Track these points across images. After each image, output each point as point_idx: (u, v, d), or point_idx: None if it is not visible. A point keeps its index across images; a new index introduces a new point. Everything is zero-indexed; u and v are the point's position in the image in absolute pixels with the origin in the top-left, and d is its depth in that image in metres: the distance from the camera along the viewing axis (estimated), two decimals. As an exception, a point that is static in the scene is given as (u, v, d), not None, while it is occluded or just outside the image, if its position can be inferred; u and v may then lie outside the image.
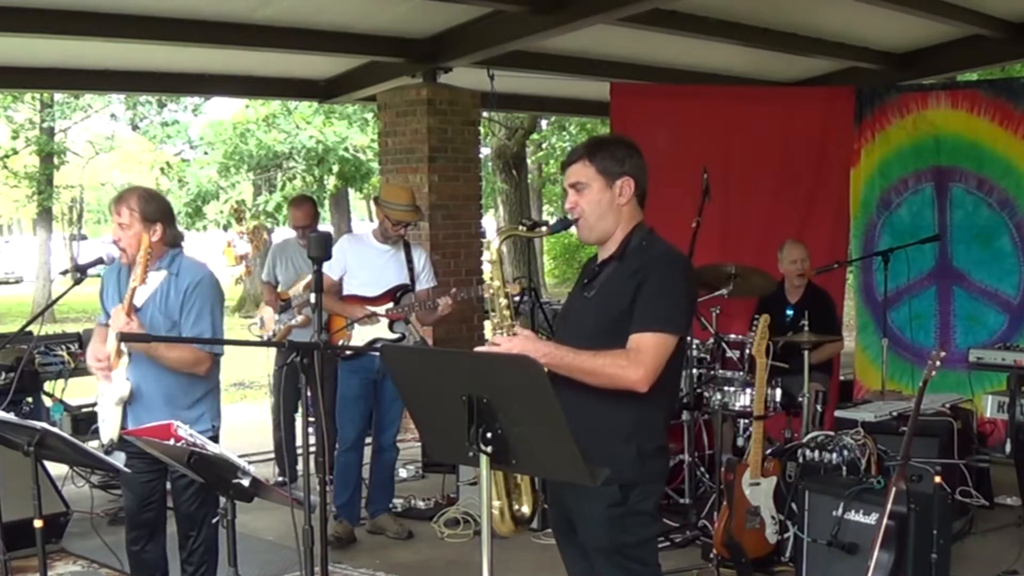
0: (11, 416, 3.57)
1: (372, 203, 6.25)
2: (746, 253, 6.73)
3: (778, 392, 5.50)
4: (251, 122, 18.34)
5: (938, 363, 3.91)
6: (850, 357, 7.96)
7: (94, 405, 4.25)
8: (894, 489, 3.79)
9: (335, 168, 18.52)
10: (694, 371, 5.80)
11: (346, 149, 18.29)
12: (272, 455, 7.05)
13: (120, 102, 22.51)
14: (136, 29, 6.48)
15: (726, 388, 5.53)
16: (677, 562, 5.02)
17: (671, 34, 7.16)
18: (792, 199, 7.69)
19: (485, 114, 9.63)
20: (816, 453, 4.88)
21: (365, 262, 5.57)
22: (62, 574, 5.15)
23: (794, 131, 7.72)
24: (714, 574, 4.87)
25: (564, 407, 2.44)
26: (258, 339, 6.72)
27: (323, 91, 9.08)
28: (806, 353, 5.55)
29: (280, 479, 6.44)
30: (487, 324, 8.11)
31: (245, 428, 8.20)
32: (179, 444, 3.14)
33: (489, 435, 2.53)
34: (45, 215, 22.47)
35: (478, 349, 2.99)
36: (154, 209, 3.82)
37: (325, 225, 18.12)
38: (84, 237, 25.81)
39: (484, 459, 2.57)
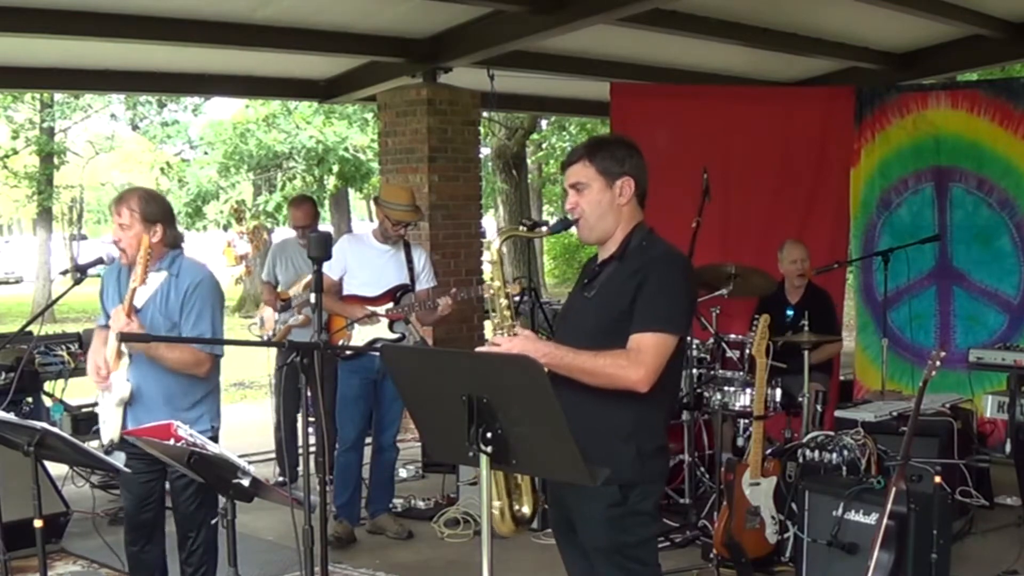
0: (11, 416, 3.57)
1: (372, 203, 6.25)
2: (746, 253, 6.73)
3: (778, 392, 5.50)
4: (251, 122, 18.34)
5: (938, 363, 3.91)
6: (850, 357, 7.96)
7: (94, 405, 4.25)
8: (894, 489, 3.79)
9: (335, 168, 18.52)
10: (694, 371, 5.80)
11: (346, 149, 18.30)
12: (272, 455, 7.05)
13: (120, 102, 22.51)
14: (136, 29, 6.48)
15: (726, 388, 5.53)
16: (677, 562, 5.02)
17: (671, 34, 7.16)
18: (792, 199, 7.69)
19: (485, 114, 9.63)
20: (816, 453, 4.88)
21: (365, 262, 5.57)
22: (62, 574, 5.15)
23: (794, 131, 7.71)
24: (714, 574, 4.87)
25: (564, 407, 2.44)
26: (258, 339, 6.72)
27: (323, 91, 9.08)
28: (806, 353, 5.55)
29: (280, 479, 6.44)
30: (487, 324, 8.11)
31: (245, 428, 8.20)
32: (179, 444, 3.14)
33: (489, 435, 2.53)
34: (45, 215, 22.47)
35: (478, 349, 2.99)
36: (155, 210, 3.82)
37: (325, 225, 18.13)
38: (84, 237, 25.81)
39: (484, 459, 2.57)
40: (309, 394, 3.51)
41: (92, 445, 4.10)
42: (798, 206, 7.69)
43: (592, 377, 2.89)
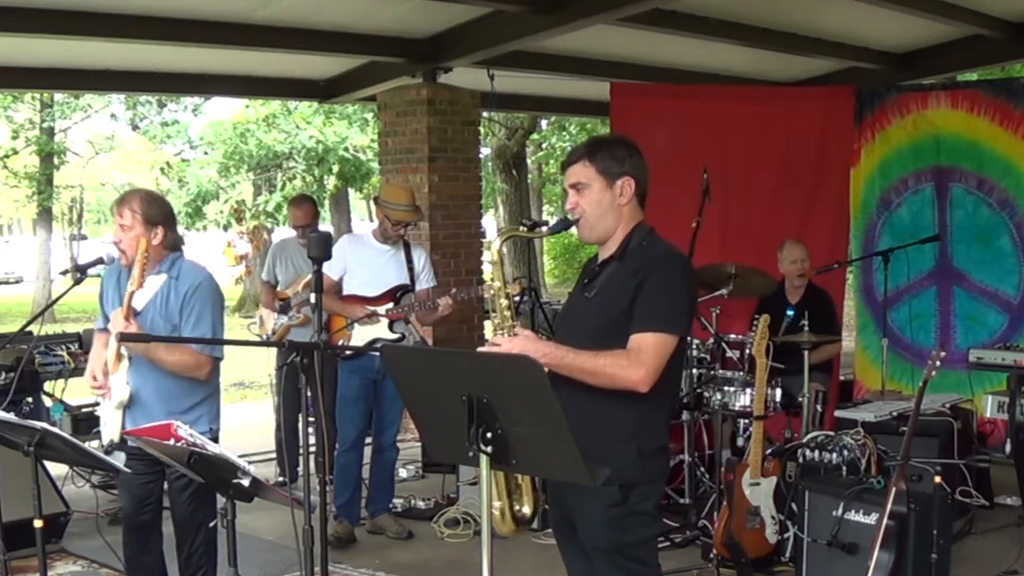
0: (11, 416, 3.57)
1: (372, 203, 6.25)
2: (746, 253, 6.73)
3: (778, 392, 5.50)
4: (251, 122, 18.34)
5: (938, 363, 3.91)
6: (850, 357, 7.96)
7: (94, 405, 4.25)
8: (894, 489, 3.79)
9: (335, 168, 18.53)
10: (694, 371, 5.80)
11: (346, 149, 18.30)
12: (272, 455, 7.05)
13: (120, 102, 22.52)
14: (136, 29, 6.49)
15: (726, 388, 5.53)
16: (677, 562, 5.02)
17: (671, 34, 7.16)
18: (792, 199, 7.69)
19: (485, 114, 9.63)
20: (816, 453, 4.88)
21: (365, 262, 5.57)
22: (62, 574, 5.15)
23: (794, 131, 7.71)
24: (714, 574, 4.87)
25: (564, 407, 2.44)
26: (258, 338, 6.72)
27: (323, 91, 9.08)
28: (806, 353, 5.55)
29: (280, 479, 6.44)
30: (487, 324, 8.11)
31: (245, 428, 8.20)
32: (179, 444, 3.14)
33: (489, 435, 2.53)
34: (45, 215, 22.48)
35: (479, 349, 2.99)
36: (156, 212, 3.83)
37: (325, 225, 18.12)
38: (84, 237, 25.82)
39: (484, 459, 2.57)
40: (309, 394, 3.50)
41: (92, 445, 4.10)
42: (798, 206, 7.68)
43: (592, 377, 2.89)
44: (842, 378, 7.60)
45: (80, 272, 3.97)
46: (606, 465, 2.63)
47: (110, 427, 3.85)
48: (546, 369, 2.67)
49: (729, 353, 5.76)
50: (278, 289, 6.71)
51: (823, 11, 7.21)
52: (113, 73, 8.01)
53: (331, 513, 5.39)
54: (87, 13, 6.27)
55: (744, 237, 7.45)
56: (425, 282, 5.69)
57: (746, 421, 5.49)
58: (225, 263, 20.46)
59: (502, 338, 2.97)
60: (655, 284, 2.93)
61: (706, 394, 5.68)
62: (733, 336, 5.82)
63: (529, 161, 22.21)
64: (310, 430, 4.71)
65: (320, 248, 3.40)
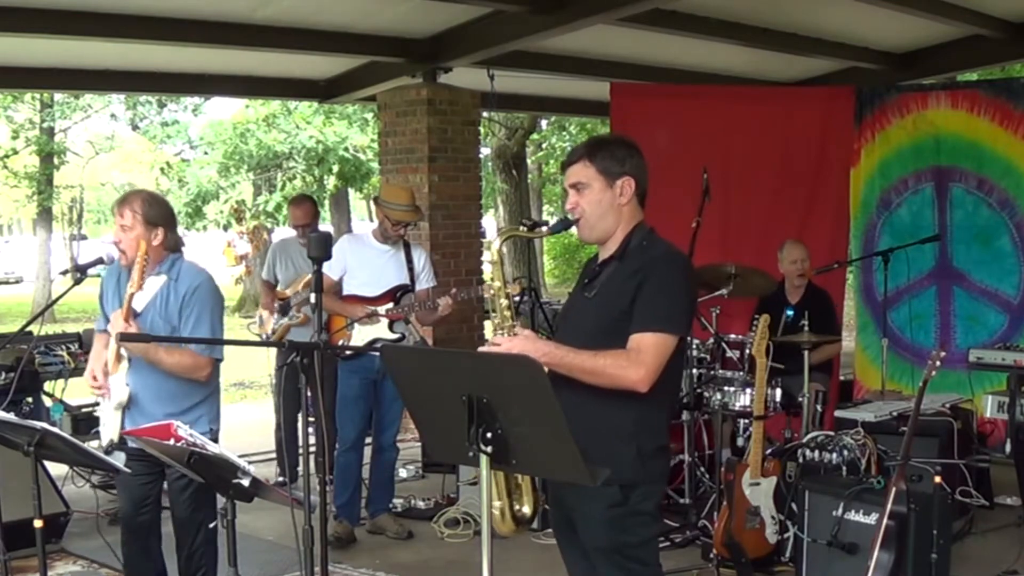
0: (11, 416, 3.57)
1: (372, 203, 6.25)
2: (746, 253, 6.73)
3: (778, 392, 5.50)
4: (251, 122, 18.34)
5: (938, 363, 3.91)
6: (850, 357, 7.96)
7: (94, 405, 4.25)
8: (894, 489, 3.79)
9: (335, 168, 18.53)
10: (694, 371, 5.80)
11: (346, 149, 18.30)
12: (272, 455, 7.05)
13: (120, 102, 22.53)
14: (136, 29, 6.49)
15: (726, 388, 5.53)
16: (677, 562, 5.02)
17: (671, 34, 7.16)
18: (792, 199, 7.69)
19: (485, 114, 9.63)
20: (816, 453, 4.88)
21: (365, 262, 5.57)
22: (62, 574, 5.15)
23: (794, 131, 7.71)
24: (714, 574, 4.87)
25: (564, 407, 2.44)
26: (258, 338, 6.72)
27: (323, 91, 9.08)
28: (806, 353, 5.55)
29: (280, 479, 6.44)
30: (487, 324, 8.11)
31: (245, 428, 8.20)
32: (179, 444, 3.14)
33: (489, 435, 2.53)
34: (45, 215, 22.48)
35: (479, 349, 2.99)
36: (157, 213, 3.83)
37: (325, 225, 18.12)
38: (84, 237, 25.84)
39: (484, 459, 2.57)
40: (309, 394, 3.50)
41: (92, 445, 4.10)
42: (798, 206, 7.68)
43: (592, 377, 2.89)
44: (842, 378, 7.60)
45: (80, 272, 3.97)
46: (606, 465, 2.63)
47: (109, 427, 3.85)
48: (546, 369, 2.67)
49: (729, 353, 5.76)
50: (278, 289, 6.71)
51: (823, 11, 7.21)
52: (113, 73, 8.01)
53: (331, 513, 5.39)
54: (87, 13, 6.27)
55: (744, 237, 7.45)
56: (425, 282, 5.69)
57: (746, 421, 5.49)
58: (225, 263, 20.46)
59: (502, 338, 2.97)
60: (655, 284, 2.93)
61: (706, 394, 5.68)
62: (733, 336, 5.82)
63: (529, 161, 22.21)
64: (310, 430, 4.71)
65: (320, 248, 3.40)
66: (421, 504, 6.20)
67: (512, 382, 2.50)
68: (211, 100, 21.24)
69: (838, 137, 7.74)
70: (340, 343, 5.43)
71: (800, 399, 5.55)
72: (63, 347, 6.32)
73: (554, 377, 2.68)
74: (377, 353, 5.26)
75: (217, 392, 4.02)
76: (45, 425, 3.43)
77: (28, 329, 5.41)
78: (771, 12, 7.19)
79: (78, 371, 6.14)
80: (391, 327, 5.53)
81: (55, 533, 5.33)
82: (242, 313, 19.71)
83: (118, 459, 3.72)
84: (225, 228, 20.74)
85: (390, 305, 5.53)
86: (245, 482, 3.13)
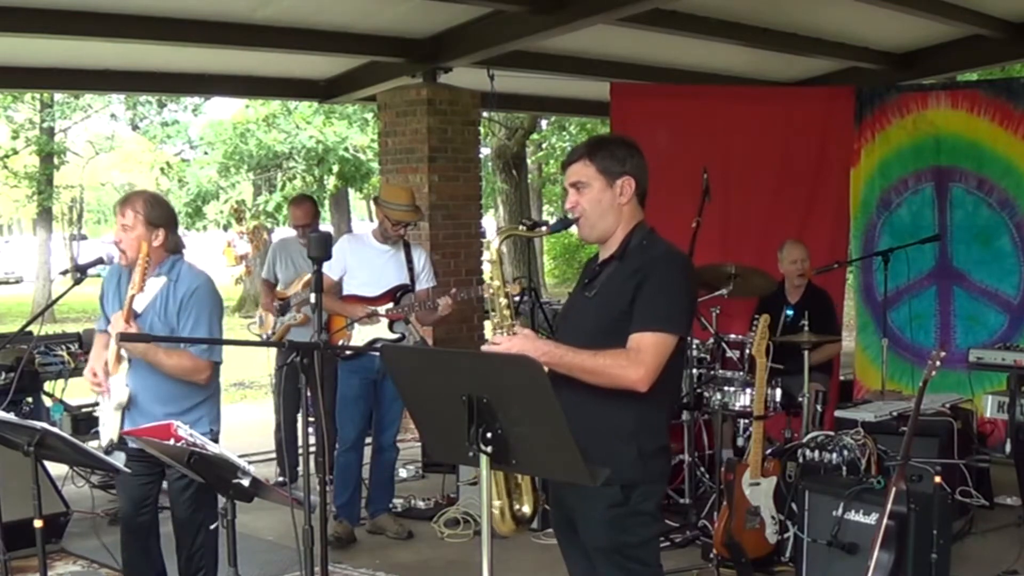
0: (11, 416, 3.57)
1: (372, 203, 6.25)
2: (746, 253, 6.73)
3: (778, 392, 5.50)
4: (251, 122, 18.34)
5: (938, 363, 3.91)
6: (850, 357, 7.96)
7: (94, 405, 4.25)
8: (894, 489, 3.79)
9: (335, 168, 18.52)
10: (694, 371, 5.80)
11: (346, 149, 18.30)
12: (272, 455, 7.05)
13: (120, 102, 22.53)
14: (136, 29, 6.48)
15: (726, 388, 5.53)
16: (677, 562, 5.02)
17: (671, 34, 7.16)
18: (792, 199, 7.69)
19: (485, 114, 9.63)
20: (816, 453, 4.88)
21: (365, 262, 5.57)
22: (62, 574, 5.15)
23: (794, 131, 7.71)
24: (714, 574, 4.86)
25: (564, 407, 2.44)
26: (258, 338, 6.72)
27: (323, 91, 9.08)
28: (806, 353, 5.55)
29: (280, 479, 6.44)
30: (487, 324, 8.11)
31: (245, 428, 8.20)
32: (179, 444, 3.14)
33: (489, 435, 2.53)
34: (45, 215, 22.48)
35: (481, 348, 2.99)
36: (158, 214, 3.83)
37: (325, 225, 18.11)
38: (84, 237, 25.86)
39: (484, 459, 2.57)
40: (309, 394, 3.50)
41: (92, 445, 4.10)
42: (798, 206, 7.68)
43: (592, 376, 2.89)
44: (842, 378, 7.60)
45: (80, 272, 3.98)
46: (606, 465, 2.63)
47: (109, 427, 3.85)
48: (546, 368, 2.67)
49: (729, 353, 5.76)
50: (278, 289, 6.71)
51: (823, 11, 7.21)
52: (113, 73, 8.01)
53: (331, 513, 5.39)
54: (87, 13, 6.27)
55: (744, 237, 7.45)
56: (425, 282, 5.69)
57: (746, 421, 5.49)
58: (225, 263, 20.46)
59: (502, 337, 2.96)
60: (655, 284, 2.93)
61: (706, 394, 5.68)
62: (733, 336, 5.82)
63: (529, 161, 22.21)
64: (310, 430, 4.71)
65: (320, 248, 3.40)
66: (421, 504, 6.20)
67: (512, 382, 2.50)
68: (211, 100, 21.25)
69: (838, 137, 7.74)
70: (340, 343, 5.43)
71: (800, 399, 5.55)
72: (63, 347, 6.32)
73: (554, 377, 2.68)
74: (377, 353, 5.26)
75: (217, 393, 4.02)
76: (45, 425, 3.43)
77: (28, 329, 5.41)
78: (771, 12, 7.19)
79: (78, 371, 6.14)
80: (391, 327, 5.53)
81: (55, 533, 5.33)
82: (242, 313, 19.71)
83: (118, 459, 3.72)
84: (225, 228, 20.73)
85: (390, 305, 5.53)
86: (245, 482, 3.13)
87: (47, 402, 6.28)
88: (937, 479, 4.31)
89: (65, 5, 6.18)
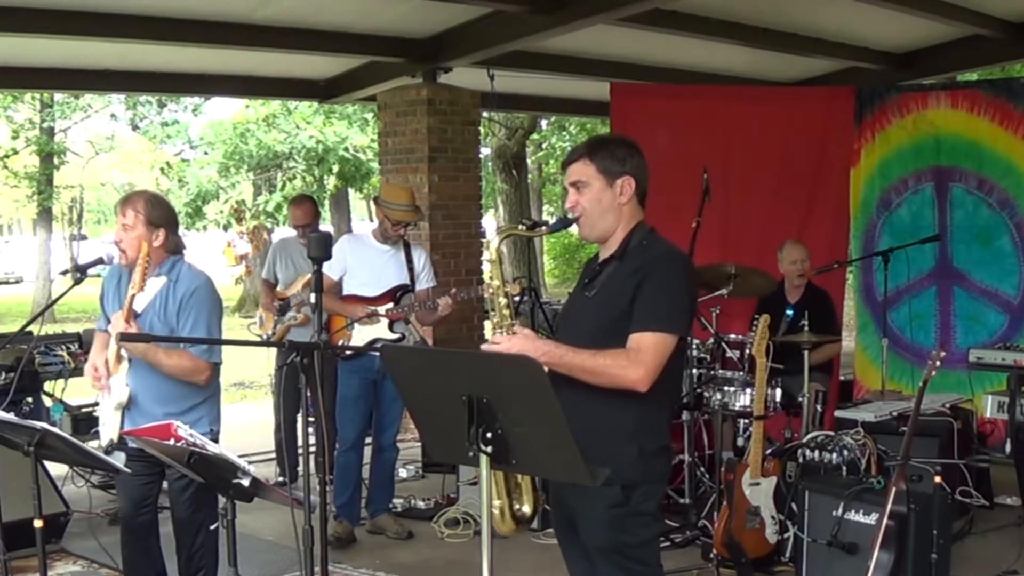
0: (11, 416, 3.57)
1: (372, 203, 6.25)
2: (746, 253, 6.73)
3: (778, 392, 5.50)
4: (251, 122, 18.34)
5: (938, 363, 3.91)
6: (850, 357, 7.96)
7: (94, 405, 4.24)
8: (894, 489, 3.79)
9: (335, 168, 18.52)
10: (694, 371, 5.80)
11: (346, 149, 18.29)
12: (272, 455, 7.05)
13: (120, 102, 22.53)
14: (136, 29, 6.49)
15: (726, 388, 5.53)
16: (677, 562, 5.02)
17: (671, 34, 7.16)
18: (792, 199, 7.69)
19: (485, 114, 9.63)
20: (816, 453, 4.88)
21: (365, 262, 5.57)
22: (62, 574, 5.15)
23: (794, 131, 7.71)
24: (714, 574, 4.86)
25: (565, 407, 2.44)
26: (258, 338, 6.72)
27: (323, 91, 9.08)
28: (806, 353, 5.55)
29: (280, 479, 6.44)
30: (487, 324, 8.11)
31: (245, 428, 8.20)
32: (179, 444, 3.14)
33: (489, 435, 2.53)
34: (45, 215, 22.48)
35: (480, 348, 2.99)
36: (159, 215, 3.84)
37: (325, 225, 18.10)
38: (84, 237, 25.86)
39: (484, 459, 2.57)
40: (309, 394, 3.50)
41: (92, 445, 4.10)
42: (798, 206, 7.68)
43: (592, 376, 2.89)
44: (842, 378, 7.60)
45: (80, 272, 3.98)
46: (607, 465, 2.63)
47: (109, 427, 3.85)
48: (546, 368, 2.67)
49: (729, 353, 5.76)
50: (278, 289, 6.71)
51: (823, 11, 7.21)
52: (113, 73, 8.01)
53: (331, 513, 5.39)
54: (87, 13, 6.27)
55: (744, 237, 7.45)
56: (425, 282, 5.69)
57: (746, 421, 5.49)
58: (225, 263, 20.45)
59: (502, 336, 2.96)
60: (655, 283, 2.93)
61: (706, 394, 5.68)
62: (733, 336, 5.82)
63: (529, 161, 22.21)
64: (310, 430, 4.71)
65: (320, 248, 3.40)
66: (421, 504, 6.20)
67: (512, 382, 2.50)
68: (211, 100, 21.24)
69: (838, 137, 7.74)
70: (340, 343, 5.43)
71: (800, 399, 5.55)
72: (63, 347, 6.32)
73: (554, 377, 2.68)
74: (377, 353, 5.26)
75: (218, 393, 4.02)
76: (45, 425, 3.43)
77: (28, 329, 5.41)
78: (771, 12, 7.19)
79: (78, 371, 6.15)
80: (391, 327, 5.53)
81: (55, 533, 5.33)
82: (242, 313, 19.71)
83: (118, 459, 3.72)
84: (225, 228, 20.73)
85: (390, 305, 5.53)
86: (245, 482, 3.13)
87: (47, 402, 6.28)
88: (937, 479, 4.31)
89: (65, 5, 6.18)
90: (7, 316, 20.18)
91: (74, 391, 6.34)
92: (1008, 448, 5.62)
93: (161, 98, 20.73)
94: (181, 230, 4.08)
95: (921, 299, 7.48)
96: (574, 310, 3.24)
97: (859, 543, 4.24)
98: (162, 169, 20.97)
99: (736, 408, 5.48)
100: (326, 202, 20.15)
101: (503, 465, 2.62)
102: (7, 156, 21.67)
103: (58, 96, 20.39)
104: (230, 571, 3.30)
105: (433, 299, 5.53)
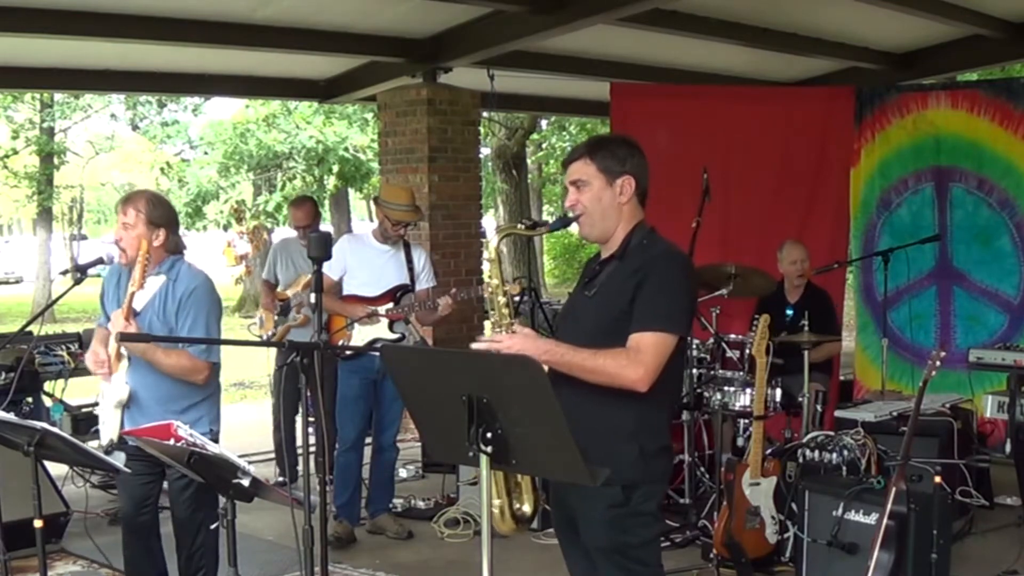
0: (11, 416, 3.58)
1: (372, 203, 6.25)
2: (746, 253, 6.73)
3: (778, 392, 5.50)
4: (251, 122, 18.34)
5: (938, 363, 3.91)
6: (850, 357, 7.96)
7: (94, 405, 4.24)
8: (894, 489, 3.79)
9: (335, 168, 18.52)
10: (694, 371, 5.80)
11: (346, 149, 18.29)
12: (272, 455, 7.05)
13: (120, 102, 22.52)
14: (136, 29, 6.49)
15: (726, 388, 5.53)
16: (677, 562, 5.02)
17: (671, 34, 7.16)
18: (792, 199, 7.69)
19: (485, 114, 9.63)
20: (816, 453, 4.88)
21: (365, 262, 5.57)
22: (62, 574, 5.15)
23: (794, 131, 7.71)
24: (714, 574, 4.86)
25: (565, 407, 2.44)
26: (258, 339, 6.72)
27: (323, 91, 9.08)
28: (806, 353, 5.55)
29: (280, 479, 6.44)
30: (487, 324, 8.11)
31: (245, 428, 8.20)
32: (179, 444, 3.14)
33: (489, 435, 2.53)
34: (45, 215, 22.48)
35: (477, 345, 2.97)
36: (160, 214, 3.84)
37: (325, 225, 18.09)
38: (84, 237, 25.87)
39: (484, 459, 2.57)
40: (309, 394, 3.50)
41: (92, 445, 4.10)
42: (798, 206, 7.68)
43: (592, 375, 2.89)
44: (842, 378, 7.60)
45: (80, 272, 3.98)
46: (607, 465, 2.63)
47: (108, 427, 3.85)
48: (546, 368, 2.67)
49: (729, 353, 5.76)
50: (278, 290, 6.71)
51: (823, 11, 7.21)
52: (113, 73, 8.01)
53: (331, 513, 5.39)
54: (87, 13, 6.27)
55: (744, 237, 7.45)
56: (425, 282, 5.69)
57: (746, 421, 5.49)
58: (225, 263, 20.46)
59: (502, 335, 2.96)
60: (655, 283, 2.93)
61: (706, 394, 5.68)
62: (733, 336, 5.82)
63: (529, 161, 22.21)
64: (310, 430, 4.71)
65: (320, 248, 3.41)
66: (421, 504, 6.20)
67: (512, 382, 2.50)
68: (211, 100, 21.24)
69: (838, 137, 7.73)
70: (340, 343, 5.43)
71: (800, 399, 5.56)
72: (63, 347, 6.32)
73: (554, 376, 2.68)
74: (377, 353, 5.26)
75: (217, 393, 4.02)
76: (45, 425, 3.43)
77: (28, 329, 5.41)
78: (771, 12, 7.19)
79: (78, 371, 6.16)
80: (391, 327, 5.53)
81: (55, 533, 5.33)
82: (242, 313, 19.71)
83: (118, 459, 3.72)
84: (225, 228, 20.73)
85: (390, 305, 5.53)
86: (245, 482, 3.13)
87: (47, 402, 6.28)
88: (937, 479, 4.31)
89: (65, 5, 6.18)
90: (7, 316, 20.18)
91: (74, 391, 6.35)
92: (1008, 448, 5.62)
93: (161, 98, 20.73)
94: (181, 230, 4.08)
95: (921, 299, 7.47)
96: (574, 310, 3.24)
97: (859, 543, 4.24)
98: (162, 169, 20.97)
99: (736, 408, 5.48)
100: (326, 202, 20.15)
101: (503, 465, 2.62)
102: (7, 156, 21.67)
103: (58, 96, 20.39)
104: (230, 571, 3.30)
105: (433, 299, 5.53)
